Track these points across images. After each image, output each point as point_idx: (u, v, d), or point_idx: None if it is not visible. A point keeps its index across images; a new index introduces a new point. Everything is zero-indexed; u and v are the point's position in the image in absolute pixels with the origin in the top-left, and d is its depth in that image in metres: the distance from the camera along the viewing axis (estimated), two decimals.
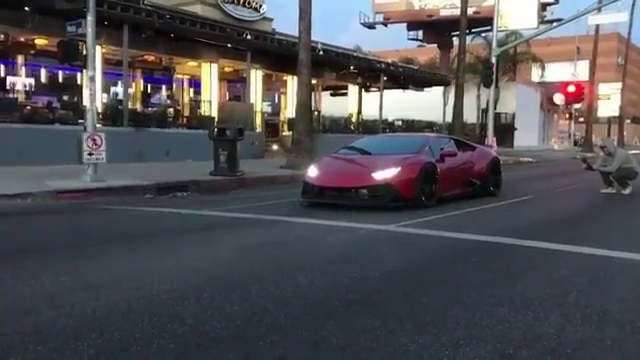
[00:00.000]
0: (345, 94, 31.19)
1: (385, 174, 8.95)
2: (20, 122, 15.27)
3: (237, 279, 4.60)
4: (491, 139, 24.42)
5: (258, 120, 23.54)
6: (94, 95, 11.70)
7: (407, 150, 9.92)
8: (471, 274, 4.89)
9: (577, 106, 51.13)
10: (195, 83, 25.07)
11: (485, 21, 39.16)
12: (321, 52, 23.26)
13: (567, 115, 52.90)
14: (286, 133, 24.63)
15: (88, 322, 3.50)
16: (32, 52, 20.00)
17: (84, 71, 13.59)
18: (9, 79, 20.47)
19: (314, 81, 23.59)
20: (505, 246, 6.16)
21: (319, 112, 27.04)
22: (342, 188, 9.11)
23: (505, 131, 39.83)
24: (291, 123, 21.92)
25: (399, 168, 9.04)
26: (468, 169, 10.77)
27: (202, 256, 5.61)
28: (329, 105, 30.98)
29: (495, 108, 30.01)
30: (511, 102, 42.90)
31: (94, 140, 11.08)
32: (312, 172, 9.64)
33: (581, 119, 56.32)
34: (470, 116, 33.97)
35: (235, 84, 27.14)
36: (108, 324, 3.46)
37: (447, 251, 6.02)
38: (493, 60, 25.29)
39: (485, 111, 31.35)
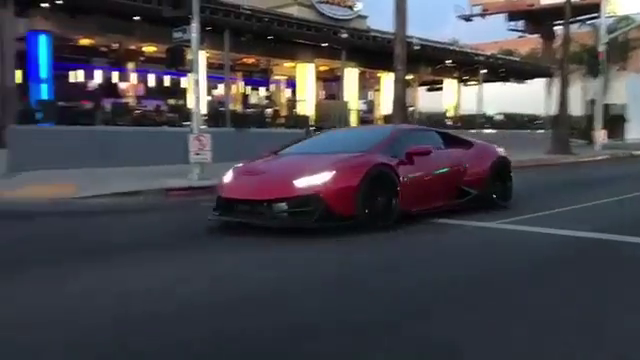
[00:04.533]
0: (441, 89, 30.67)
1: (312, 181, 6.25)
2: (131, 125, 16.28)
3: None
4: (600, 132, 23.13)
5: (354, 117, 23.66)
6: (199, 98, 12.24)
7: (357, 147, 7.19)
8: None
9: None
10: (292, 83, 25.63)
11: (591, 7, 36.93)
12: (417, 47, 22.99)
13: None
14: None
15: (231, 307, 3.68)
16: (141, 59, 21.30)
17: (188, 75, 14.27)
18: (120, 85, 21.94)
19: (410, 76, 23.39)
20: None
21: (414, 108, 26.76)
22: (253, 201, 6.50)
23: (615, 123, 37.51)
24: (386, 120, 21.86)
25: (333, 172, 6.31)
26: (456, 173, 7.85)
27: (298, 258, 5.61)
28: (425, 101, 30.59)
29: (603, 99, 28.35)
30: (621, 92, 40.29)
31: (200, 140, 11.60)
32: (225, 178, 7.17)
33: None
34: (574, 108, 32.29)
35: (330, 83, 27.46)
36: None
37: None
38: (600, 48, 23.91)
39: (592, 102, 29.64)
